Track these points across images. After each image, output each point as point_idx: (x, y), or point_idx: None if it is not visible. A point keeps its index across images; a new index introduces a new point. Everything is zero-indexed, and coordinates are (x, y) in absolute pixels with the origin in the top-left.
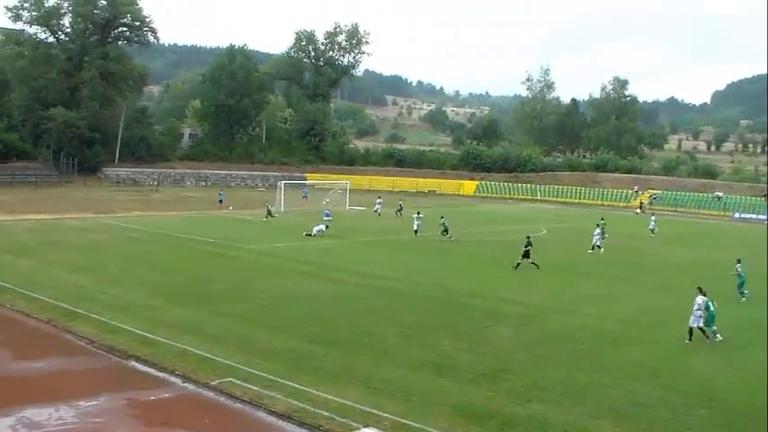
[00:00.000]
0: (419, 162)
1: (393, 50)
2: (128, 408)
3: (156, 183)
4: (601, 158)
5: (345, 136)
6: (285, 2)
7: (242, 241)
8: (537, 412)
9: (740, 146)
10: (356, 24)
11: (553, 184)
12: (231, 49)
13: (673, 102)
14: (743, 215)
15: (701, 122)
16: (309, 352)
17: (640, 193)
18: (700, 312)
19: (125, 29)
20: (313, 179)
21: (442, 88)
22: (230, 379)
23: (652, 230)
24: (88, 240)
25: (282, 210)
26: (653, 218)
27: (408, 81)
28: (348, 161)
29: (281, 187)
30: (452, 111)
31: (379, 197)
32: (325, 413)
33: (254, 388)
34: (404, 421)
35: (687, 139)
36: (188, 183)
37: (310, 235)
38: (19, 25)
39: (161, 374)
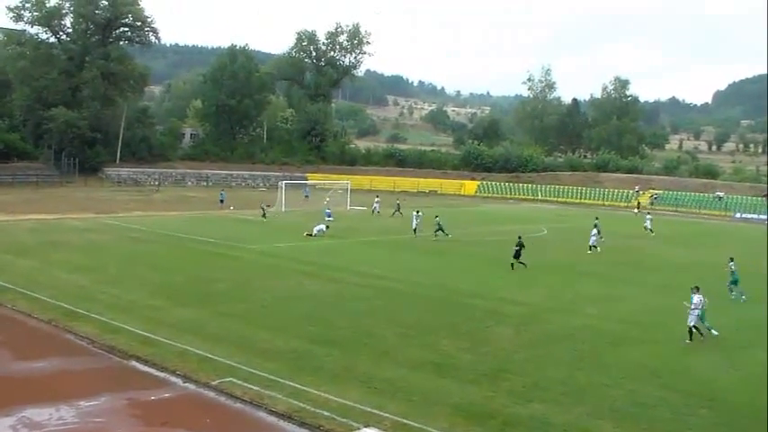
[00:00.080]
0: (420, 162)
1: (394, 51)
2: (128, 408)
3: (157, 183)
4: (602, 158)
5: (346, 136)
6: (286, 2)
7: (243, 241)
8: (537, 412)
9: (741, 146)
10: (357, 24)
11: (554, 184)
12: (232, 49)
13: (674, 102)
14: (744, 215)
15: (702, 122)
16: (310, 352)
17: (641, 193)
18: (697, 311)
19: (126, 29)
20: (314, 179)
21: (443, 88)
22: (231, 379)
23: (651, 230)
24: (89, 240)
25: (283, 210)
26: (648, 217)
27: (409, 81)
28: (349, 161)
29: (281, 187)
30: (453, 111)
31: (378, 196)
32: (326, 413)
33: (254, 388)
34: (404, 421)
35: (688, 139)
36: (189, 183)
37: (311, 235)
38: (20, 25)
39: (162, 374)
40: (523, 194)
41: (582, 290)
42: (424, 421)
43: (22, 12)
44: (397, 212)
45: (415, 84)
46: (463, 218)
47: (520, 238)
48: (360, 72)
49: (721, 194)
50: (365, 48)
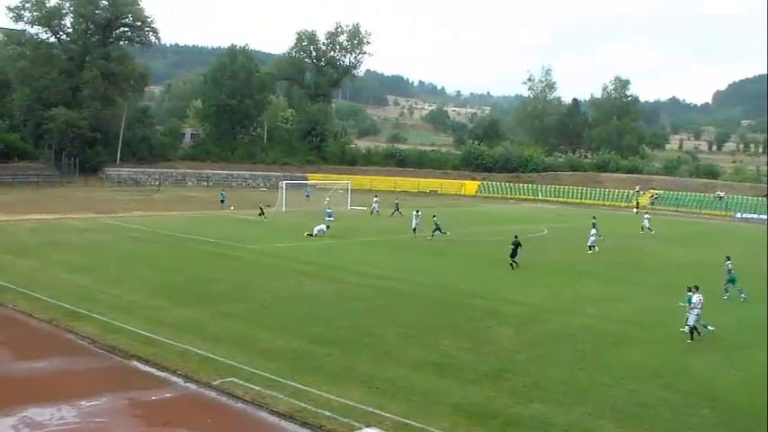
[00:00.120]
0: (420, 162)
1: (394, 51)
2: (129, 408)
3: (157, 183)
4: (602, 158)
5: (347, 136)
6: (286, 2)
7: (243, 241)
8: (539, 412)
9: (742, 146)
10: (357, 24)
11: (554, 184)
12: (233, 49)
13: (674, 102)
14: (744, 215)
15: (702, 122)
16: (311, 352)
17: (642, 193)
18: (697, 311)
19: (126, 29)
20: (314, 179)
21: (443, 88)
22: (232, 379)
23: (649, 228)
24: (90, 240)
25: (284, 209)
26: (646, 216)
27: (410, 81)
28: (349, 161)
29: (282, 187)
30: (454, 111)
31: (376, 196)
32: (327, 413)
33: (255, 388)
34: (406, 421)
35: (688, 139)
36: (189, 183)
37: (311, 235)
38: (20, 25)
39: (163, 374)
40: (524, 194)
41: (582, 290)
42: (425, 421)
43: (23, 12)
44: (396, 212)
45: (416, 84)
46: (463, 218)
47: (516, 237)
48: (360, 72)
49: (722, 194)
50: (365, 48)
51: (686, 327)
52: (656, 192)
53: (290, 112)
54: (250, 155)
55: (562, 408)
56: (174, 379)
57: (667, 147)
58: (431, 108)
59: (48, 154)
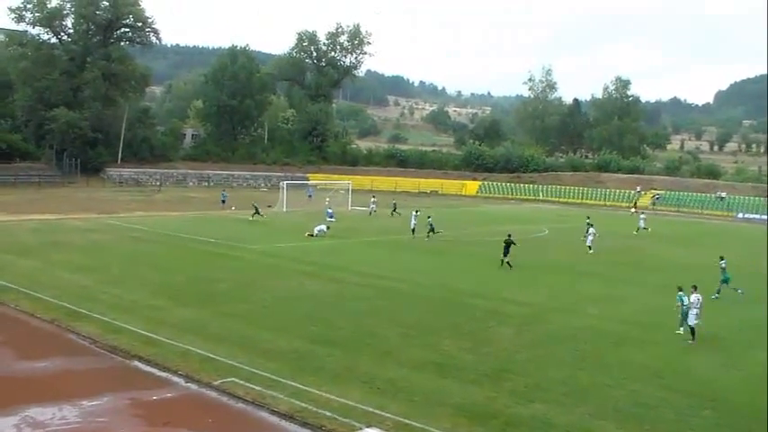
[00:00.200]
0: (421, 162)
1: (395, 51)
2: (131, 407)
3: (158, 183)
4: (603, 159)
5: (347, 136)
6: (286, 2)
7: (244, 241)
8: (539, 412)
9: (743, 146)
10: (358, 25)
11: (555, 184)
12: (233, 49)
13: (675, 102)
14: (746, 215)
15: (703, 122)
16: (312, 352)
17: (643, 193)
18: (696, 311)
19: (127, 30)
20: (315, 179)
21: (444, 88)
22: (233, 379)
23: (646, 228)
24: (91, 240)
25: (284, 210)
26: (642, 217)
27: (410, 81)
28: (350, 161)
29: (283, 188)
30: (454, 111)
31: (374, 196)
32: (328, 413)
33: (256, 388)
34: (406, 421)
35: (690, 140)
36: (190, 183)
37: (312, 235)
38: (22, 26)
39: (164, 374)
40: (525, 195)
41: (583, 290)
42: (425, 421)
43: (24, 13)
44: (394, 212)
45: (416, 84)
46: (464, 218)
47: (510, 236)
48: (360, 72)
49: (723, 195)
50: (366, 48)
51: (681, 329)
52: (658, 192)
53: (291, 112)
54: (251, 155)
55: (563, 408)
56: (175, 379)
57: (668, 147)
58: (431, 108)
59: (49, 154)
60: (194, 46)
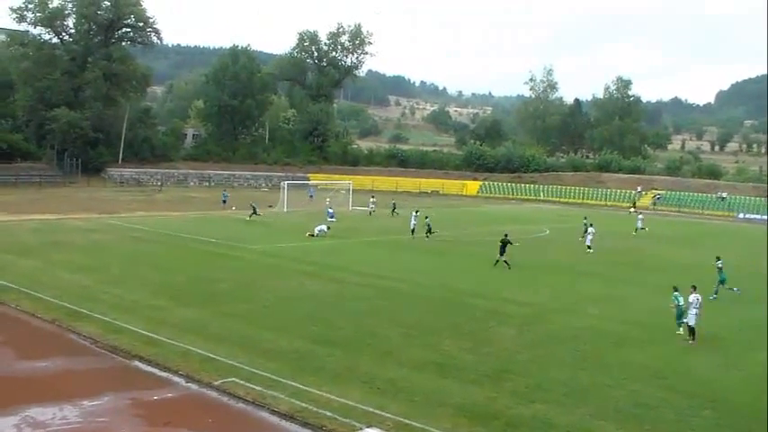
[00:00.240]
0: (422, 162)
1: (395, 51)
2: (131, 407)
3: (159, 183)
4: (604, 159)
5: (348, 136)
6: (286, 2)
7: (245, 241)
8: (540, 413)
9: (744, 146)
10: (359, 25)
11: (556, 184)
12: (234, 49)
13: (676, 102)
14: (747, 216)
15: (704, 122)
16: (312, 352)
17: (644, 193)
18: (695, 311)
19: (128, 30)
20: (316, 179)
21: (445, 88)
22: (233, 379)
23: (643, 228)
24: (92, 240)
25: (285, 210)
26: (639, 217)
27: (411, 81)
28: (351, 161)
29: (284, 188)
30: (455, 111)
31: (373, 196)
32: (328, 413)
33: (257, 388)
34: (407, 421)
35: (691, 140)
36: (191, 183)
37: (313, 235)
38: (23, 26)
39: (164, 374)
40: (526, 195)
41: (584, 290)
42: (426, 422)
43: (25, 13)
44: (394, 212)
45: (417, 84)
46: (465, 218)
47: (506, 235)
48: (361, 72)
49: (724, 195)
50: (367, 48)
51: (680, 329)
52: (659, 192)
53: (292, 112)
54: (252, 155)
55: (563, 408)
56: (176, 379)
57: (669, 147)
58: (432, 108)
59: (50, 154)
60: (195, 46)
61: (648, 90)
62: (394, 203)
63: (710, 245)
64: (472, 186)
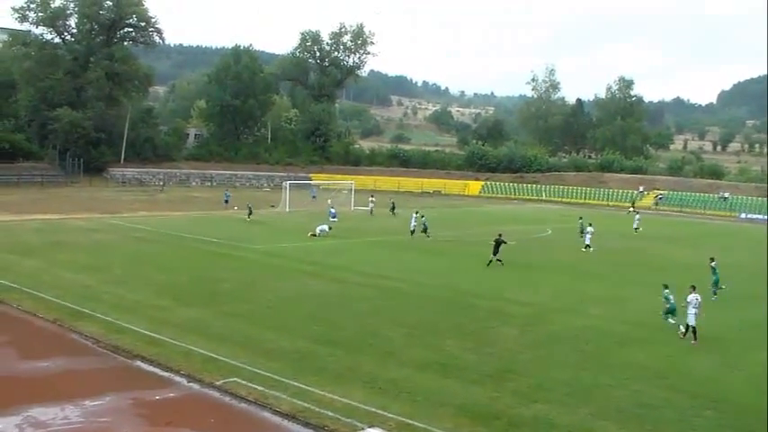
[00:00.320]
0: (424, 162)
1: (398, 51)
2: (133, 407)
3: (161, 183)
4: (606, 159)
5: (350, 136)
6: (287, 2)
7: (247, 241)
8: (542, 413)
9: (746, 146)
10: (361, 25)
11: (558, 184)
12: (236, 49)
13: (678, 102)
14: (749, 216)
15: (706, 122)
16: (314, 352)
17: (646, 193)
18: (695, 310)
19: (131, 29)
20: (318, 179)
21: (447, 88)
22: (235, 379)
23: (636, 229)
24: (94, 240)
25: (287, 210)
26: (636, 217)
27: (413, 81)
28: (353, 161)
29: (286, 187)
30: (457, 111)
31: (372, 196)
32: (330, 413)
33: (258, 388)
34: (409, 421)
35: (693, 140)
36: (193, 183)
37: (315, 235)
38: (25, 26)
39: (166, 374)
40: (528, 195)
41: (586, 290)
42: (428, 422)
43: (27, 12)
44: (392, 211)
45: (419, 84)
46: (467, 218)
47: (500, 235)
48: (364, 72)
49: (726, 195)
50: (369, 48)
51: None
52: (661, 192)
53: (294, 112)
54: (254, 155)
55: (565, 408)
56: (178, 379)
57: (672, 147)
58: (434, 108)
59: (52, 154)
60: (197, 46)
61: (650, 90)
62: (393, 202)
63: (712, 245)
64: (474, 186)
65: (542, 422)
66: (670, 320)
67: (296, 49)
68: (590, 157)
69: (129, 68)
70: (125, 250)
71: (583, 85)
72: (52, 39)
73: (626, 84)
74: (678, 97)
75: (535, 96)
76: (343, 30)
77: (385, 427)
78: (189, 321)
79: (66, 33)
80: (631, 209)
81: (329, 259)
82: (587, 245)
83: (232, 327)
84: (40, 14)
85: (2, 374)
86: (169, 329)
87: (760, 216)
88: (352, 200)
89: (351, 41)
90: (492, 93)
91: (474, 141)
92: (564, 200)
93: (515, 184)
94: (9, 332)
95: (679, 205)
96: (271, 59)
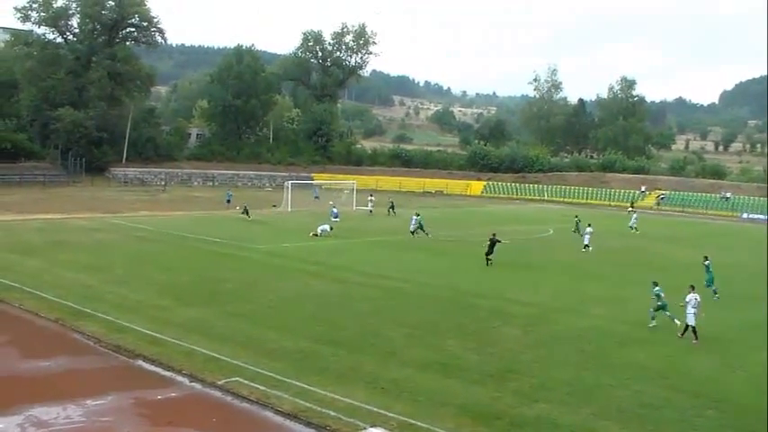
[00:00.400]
0: (426, 162)
1: (400, 51)
2: (135, 407)
3: (163, 183)
4: (608, 159)
5: (352, 136)
6: (288, 2)
7: (249, 241)
8: (544, 413)
9: (748, 146)
10: (363, 24)
11: (560, 184)
12: (239, 49)
13: (680, 102)
14: (751, 216)
15: (708, 122)
16: (316, 352)
17: (647, 193)
18: (694, 310)
19: (133, 29)
20: (320, 179)
21: (449, 88)
22: (237, 378)
23: (630, 227)
24: (96, 240)
25: (289, 210)
26: (634, 216)
27: (415, 81)
28: (355, 161)
29: (287, 187)
30: (460, 111)
31: (371, 195)
32: (332, 413)
33: (260, 387)
34: (411, 421)
35: (695, 140)
36: (195, 183)
37: (317, 235)
38: (27, 26)
39: (168, 374)
40: (530, 195)
41: (587, 290)
42: (430, 421)
43: (30, 12)
44: (391, 211)
45: (422, 84)
46: (469, 218)
47: (494, 235)
48: (366, 72)
49: (728, 195)
50: (371, 48)
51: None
52: (663, 192)
53: (296, 112)
54: (256, 155)
55: (567, 408)
56: (180, 378)
57: (673, 147)
58: (437, 108)
59: (54, 154)
60: (199, 46)
61: (652, 90)
62: (392, 202)
63: (714, 245)
64: (476, 186)
65: (544, 422)
66: (653, 322)
67: (298, 48)
68: (592, 157)
69: (131, 68)
70: (127, 250)
71: (583, 85)
72: (54, 39)
73: (628, 84)
74: (680, 97)
75: (537, 96)
76: (345, 30)
77: (387, 426)
78: (191, 321)
79: (68, 33)
80: (630, 208)
81: (331, 259)
82: (586, 245)
83: (234, 326)
84: (43, 14)
85: (3, 374)
86: (171, 329)
87: (762, 216)
88: (354, 200)
89: (353, 41)
90: (494, 93)
91: (476, 141)
92: (566, 200)
93: (517, 185)
94: (10, 331)
95: (681, 205)
96: (273, 59)
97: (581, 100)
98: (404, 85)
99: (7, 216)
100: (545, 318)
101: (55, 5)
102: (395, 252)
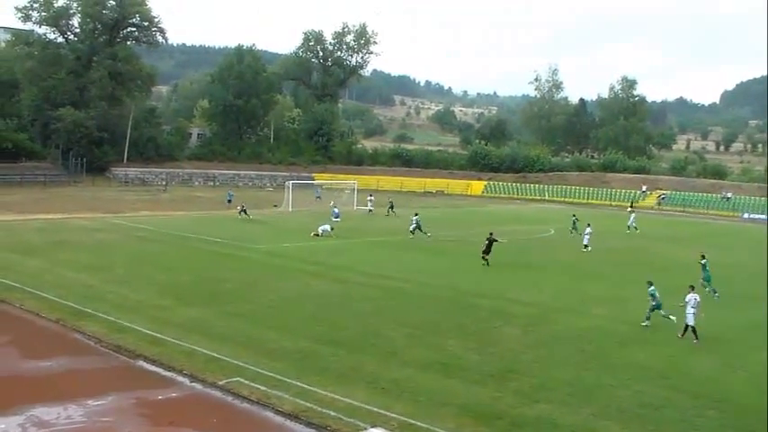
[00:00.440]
0: (427, 162)
1: (401, 51)
2: (135, 407)
3: (164, 183)
4: (609, 159)
5: (353, 136)
6: (289, 2)
7: (250, 241)
8: (544, 413)
9: (749, 146)
10: (364, 24)
11: (561, 184)
12: (239, 49)
13: (681, 102)
14: (752, 216)
15: (709, 122)
16: (317, 352)
17: (648, 193)
18: (693, 310)
19: (134, 29)
20: (321, 179)
21: (450, 88)
22: (238, 379)
23: (628, 227)
24: (96, 240)
25: (290, 210)
26: (632, 216)
27: (416, 81)
28: (356, 161)
29: (288, 187)
30: (460, 111)
31: (371, 195)
32: (333, 413)
33: (261, 388)
34: (411, 421)
35: (696, 140)
36: (196, 183)
37: (317, 235)
38: (28, 26)
39: (169, 374)
40: (530, 195)
41: (589, 290)
42: (430, 421)
43: (30, 12)
44: (390, 210)
45: (422, 84)
46: (469, 218)
47: (491, 234)
48: (367, 72)
49: (729, 195)
50: (372, 48)
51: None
52: (663, 192)
53: (297, 112)
54: (257, 155)
55: (568, 408)
56: (180, 378)
57: (674, 147)
58: (437, 108)
59: (55, 154)
60: (200, 45)
61: (653, 90)
62: (391, 202)
63: (715, 245)
64: (477, 186)
65: (545, 422)
66: (646, 321)
67: (299, 48)
68: (593, 157)
69: (131, 68)
70: (127, 250)
71: (583, 84)
72: (55, 38)
73: (629, 84)
74: (681, 97)
75: (538, 96)
76: (346, 29)
77: (387, 427)
78: (191, 321)
79: (69, 33)
80: (629, 208)
81: (331, 259)
82: (585, 245)
83: (234, 327)
84: (43, 14)
85: (4, 374)
86: (171, 329)
87: (762, 216)
88: (355, 199)
89: (354, 41)
90: (495, 92)
91: (477, 141)
92: (567, 200)
93: (518, 184)
94: (11, 332)
95: (682, 205)
96: (274, 59)
97: (582, 100)
98: (404, 85)
99: (8, 216)
100: (546, 318)
101: (56, 5)
102: (395, 252)
